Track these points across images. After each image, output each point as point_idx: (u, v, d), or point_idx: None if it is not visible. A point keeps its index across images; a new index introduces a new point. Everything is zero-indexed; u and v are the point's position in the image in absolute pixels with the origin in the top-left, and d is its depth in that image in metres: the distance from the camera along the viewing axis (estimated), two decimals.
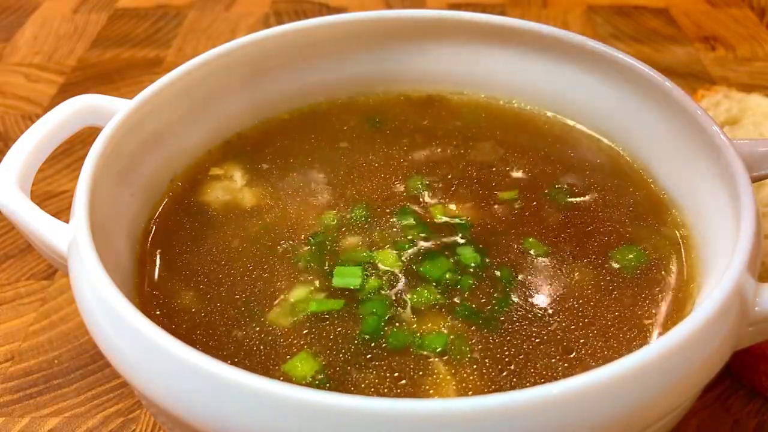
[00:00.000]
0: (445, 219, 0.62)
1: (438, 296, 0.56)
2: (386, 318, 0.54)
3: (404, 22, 0.73)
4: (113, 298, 0.45)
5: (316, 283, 0.57)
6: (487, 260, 0.59)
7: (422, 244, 0.60)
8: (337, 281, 0.56)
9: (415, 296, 0.55)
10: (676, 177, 0.63)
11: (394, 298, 0.55)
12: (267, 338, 0.53)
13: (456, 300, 0.55)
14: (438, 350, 0.52)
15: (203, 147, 0.70)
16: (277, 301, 0.56)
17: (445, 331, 0.53)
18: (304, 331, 0.53)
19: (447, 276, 0.57)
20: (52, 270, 0.81)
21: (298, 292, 0.56)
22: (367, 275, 0.57)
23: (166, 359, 0.42)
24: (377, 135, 0.72)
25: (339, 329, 0.53)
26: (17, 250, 0.84)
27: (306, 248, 0.60)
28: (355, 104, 0.76)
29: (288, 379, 0.50)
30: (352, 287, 0.56)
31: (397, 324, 0.54)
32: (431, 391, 0.49)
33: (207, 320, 0.55)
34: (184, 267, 0.59)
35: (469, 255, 0.59)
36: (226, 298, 0.56)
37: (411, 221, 0.62)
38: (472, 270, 0.58)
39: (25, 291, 0.80)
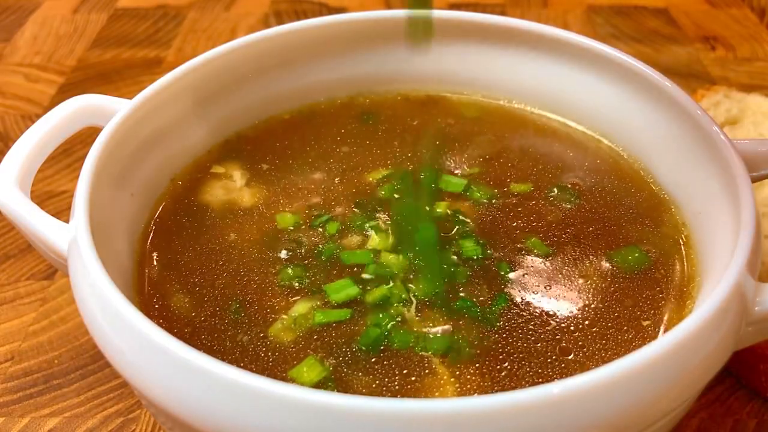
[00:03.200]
0: (446, 218, 0.62)
1: (440, 294, 0.55)
2: (389, 327, 0.53)
3: (404, 23, 0.73)
4: (113, 298, 0.45)
5: (319, 290, 0.56)
6: (489, 251, 0.59)
7: (424, 243, 0.60)
8: (334, 297, 0.55)
9: (418, 295, 0.55)
10: (676, 177, 0.63)
11: (398, 301, 0.55)
12: (272, 343, 0.53)
13: (458, 297, 0.55)
14: (439, 350, 0.52)
15: (203, 147, 0.70)
16: (278, 310, 0.56)
17: (449, 331, 0.53)
18: (308, 336, 0.53)
19: (449, 270, 0.57)
20: (52, 270, 0.81)
21: (302, 302, 0.56)
22: (369, 282, 0.56)
23: (166, 359, 0.42)
24: (376, 135, 0.72)
25: (343, 334, 0.53)
26: (17, 250, 0.84)
27: (307, 250, 0.60)
28: (355, 104, 0.76)
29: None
30: (353, 297, 0.55)
31: (400, 329, 0.53)
32: (432, 391, 0.49)
33: (208, 322, 0.55)
34: (185, 267, 0.59)
35: (470, 247, 0.59)
36: (227, 299, 0.56)
37: (413, 221, 0.62)
38: (473, 264, 0.58)
39: (25, 291, 0.80)
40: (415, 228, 0.61)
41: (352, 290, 0.56)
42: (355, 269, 0.58)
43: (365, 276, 0.57)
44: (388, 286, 0.56)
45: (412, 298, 0.55)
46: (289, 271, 0.58)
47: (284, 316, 0.54)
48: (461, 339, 0.52)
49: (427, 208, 0.63)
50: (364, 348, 0.52)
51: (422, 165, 0.68)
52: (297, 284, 0.57)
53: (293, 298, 0.56)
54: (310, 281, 0.57)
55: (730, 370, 0.69)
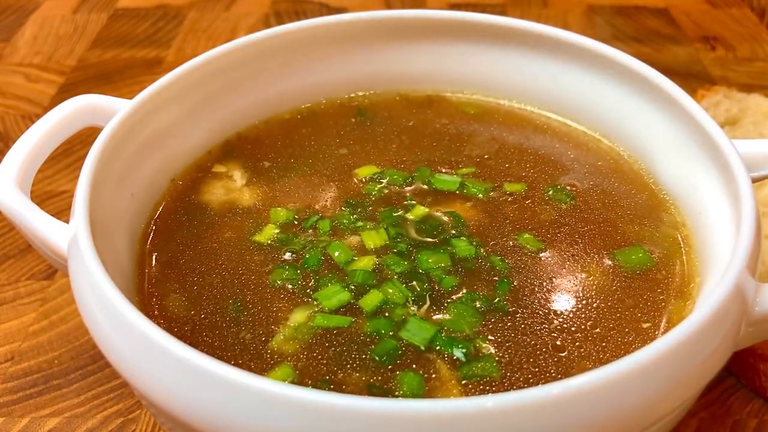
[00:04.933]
0: (444, 218, 0.62)
1: (435, 293, 0.55)
2: (392, 333, 0.53)
3: (404, 22, 0.73)
4: (113, 298, 0.45)
5: (316, 289, 0.56)
6: (481, 251, 0.59)
7: (421, 244, 0.60)
8: (327, 303, 0.55)
9: (415, 295, 0.55)
10: (676, 177, 0.63)
11: (397, 303, 0.55)
12: (273, 345, 0.53)
13: (454, 297, 0.55)
14: (438, 348, 0.52)
15: (203, 147, 0.70)
16: (277, 310, 0.55)
17: (447, 329, 0.53)
18: (307, 335, 0.53)
19: (443, 271, 0.57)
20: (52, 270, 0.81)
21: (301, 309, 0.55)
22: (366, 284, 0.56)
23: (166, 359, 0.42)
24: (376, 135, 0.72)
25: (345, 336, 0.53)
26: (17, 250, 0.84)
27: (306, 249, 0.60)
28: (355, 104, 0.76)
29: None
30: (345, 303, 0.55)
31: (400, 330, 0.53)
32: (432, 391, 0.49)
33: (207, 321, 0.55)
34: (184, 267, 0.59)
35: (463, 247, 0.59)
36: (226, 299, 0.56)
37: (412, 221, 0.62)
38: (468, 265, 0.58)
39: (25, 291, 0.80)
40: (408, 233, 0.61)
41: (344, 296, 0.55)
42: (351, 270, 0.57)
43: (360, 279, 0.56)
44: (385, 287, 0.56)
45: (410, 302, 0.55)
46: (286, 271, 0.58)
47: (284, 326, 0.54)
48: (458, 336, 0.53)
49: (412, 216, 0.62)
50: (377, 358, 0.51)
51: (420, 164, 0.68)
52: (294, 285, 0.57)
53: (292, 302, 0.56)
54: (305, 282, 0.57)
55: (730, 370, 0.69)
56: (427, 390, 0.49)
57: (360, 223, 0.62)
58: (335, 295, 0.55)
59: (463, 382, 0.50)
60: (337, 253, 0.58)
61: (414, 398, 0.48)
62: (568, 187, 0.66)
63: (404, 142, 0.72)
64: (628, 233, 0.61)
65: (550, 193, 0.65)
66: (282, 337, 0.53)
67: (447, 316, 0.54)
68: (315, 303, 0.55)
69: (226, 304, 0.56)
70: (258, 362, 0.52)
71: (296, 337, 0.53)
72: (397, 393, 0.49)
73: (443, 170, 0.67)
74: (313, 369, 0.51)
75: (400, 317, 0.54)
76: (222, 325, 0.54)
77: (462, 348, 0.51)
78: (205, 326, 0.54)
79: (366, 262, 0.58)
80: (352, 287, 0.56)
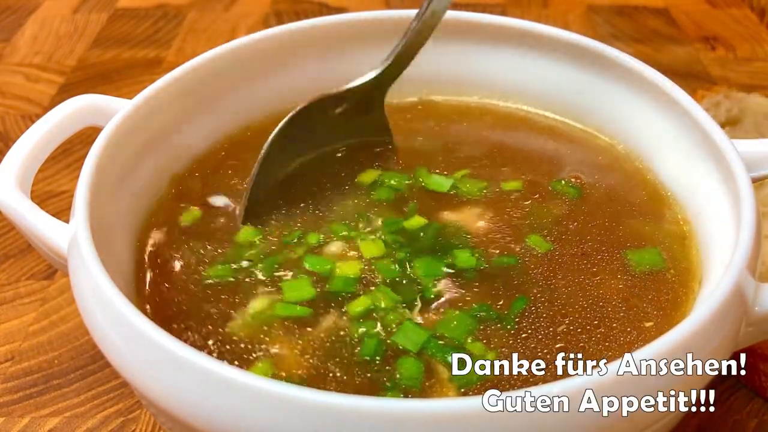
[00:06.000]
0: (443, 221, 0.62)
1: (432, 297, 0.55)
2: (382, 337, 0.52)
3: (404, 22, 0.73)
4: (113, 298, 0.45)
5: (312, 289, 0.56)
6: (484, 262, 0.58)
7: (421, 252, 0.59)
8: (289, 295, 0.55)
9: (409, 298, 0.55)
10: (676, 177, 0.63)
11: (388, 304, 0.55)
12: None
13: (453, 301, 0.55)
14: (436, 351, 0.52)
15: (203, 147, 0.69)
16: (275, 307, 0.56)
17: (441, 335, 0.53)
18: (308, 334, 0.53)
19: (440, 279, 0.56)
20: (52, 270, 0.81)
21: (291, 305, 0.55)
22: (358, 291, 0.56)
23: (166, 359, 0.42)
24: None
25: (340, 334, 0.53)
26: (17, 250, 0.84)
27: (302, 251, 0.60)
28: None
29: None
30: (306, 299, 0.55)
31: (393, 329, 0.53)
32: (431, 391, 0.49)
33: (207, 321, 0.55)
34: (185, 267, 0.59)
35: (465, 258, 0.58)
36: (227, 299, 0.56)
37: (409, 225, 0.61)
38: (468, 273, 0.57)
39: (25, 291, 0.80)
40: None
41: (308, 291, 0.55)
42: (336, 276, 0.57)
43: (340, 285, 0.56)
44: (372, 293, 0.55)
45: (401, 306, 0.55)
46: (281, 269, 0.58)
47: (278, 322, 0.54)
48: (464, 338, 0.52)
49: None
50: (368, 358, 0.51)
51: (418, 167, 0.68)
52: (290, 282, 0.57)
53: (288, 298, 0.56)
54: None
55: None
56: (424, 390, 0.49)
57: (360, 226, 0.61)
58: (300, 287, 0.55)
59: (459, 387, 0.50)
60: (322, 260, 0.58)
61: (411, 387, 0.49)
62: (569, 188, 0.65)
63: (402, 142, 0.71)
64: (628, 233, 0.61)
65: (551, 194, 0.65)
66: (276, 333, 0.53)
67: (442, 320, 0.54)
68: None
69: (228, 303, 0.56)
70: (252, 361, 0.52)
71: (289, 333, 0.53)
72: (395, 378, 0.49)
73: (438, 172, 0.67)
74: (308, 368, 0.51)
75: (392, 323, 0.53)
76: (221, 324, 0.54)
77: (456, 354, 0.51)
78: (206, 324, 0.54)
79: (352, 268, 0.57)
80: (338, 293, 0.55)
